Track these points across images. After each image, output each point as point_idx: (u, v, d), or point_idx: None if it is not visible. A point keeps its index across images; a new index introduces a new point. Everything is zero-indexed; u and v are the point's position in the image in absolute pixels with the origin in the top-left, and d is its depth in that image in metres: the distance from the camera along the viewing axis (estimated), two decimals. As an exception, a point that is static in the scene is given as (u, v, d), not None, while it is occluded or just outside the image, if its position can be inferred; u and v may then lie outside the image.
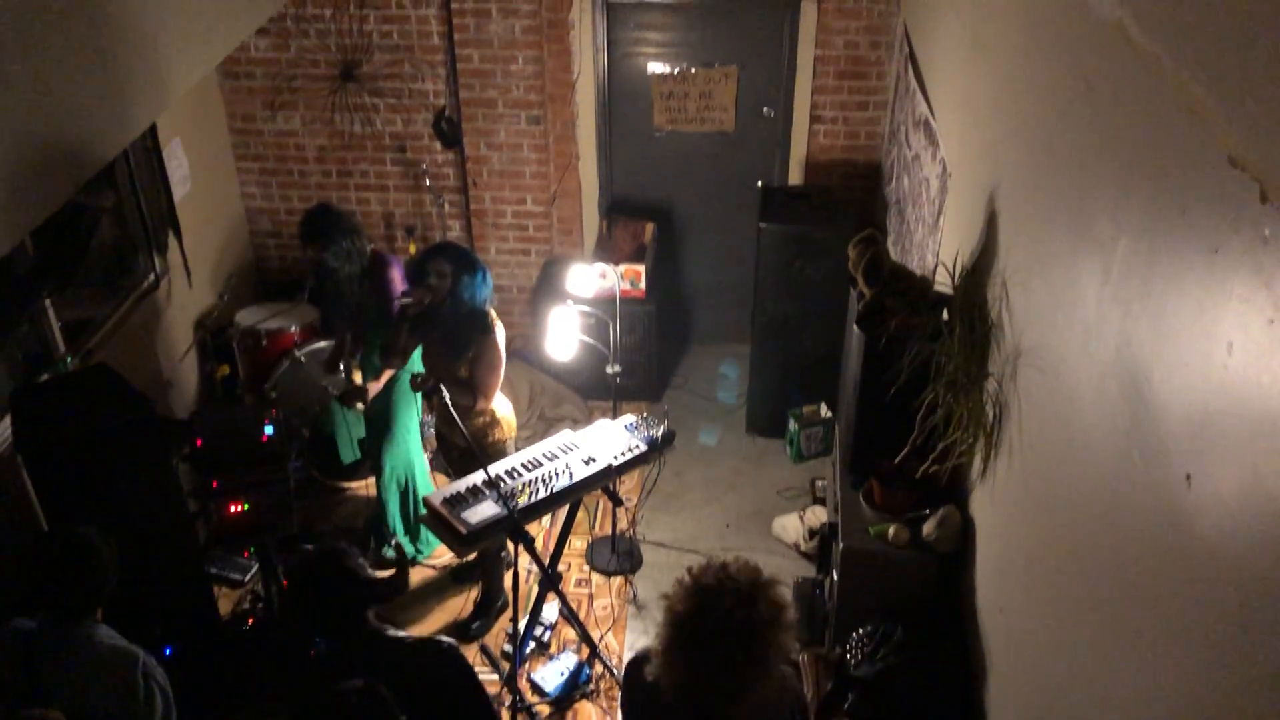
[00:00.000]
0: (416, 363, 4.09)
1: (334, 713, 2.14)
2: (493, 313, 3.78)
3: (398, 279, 4.19)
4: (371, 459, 4.47)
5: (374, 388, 4.34)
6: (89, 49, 2.54)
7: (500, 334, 3.78)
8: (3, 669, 2.62)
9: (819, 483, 4.84)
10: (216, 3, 3.33)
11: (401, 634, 2.61)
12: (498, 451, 3.85)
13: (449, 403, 3.40)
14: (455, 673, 2.58)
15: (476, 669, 4.00)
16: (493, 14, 5.21)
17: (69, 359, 4.01)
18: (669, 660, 1.98)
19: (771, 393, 5.20)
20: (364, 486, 4.88)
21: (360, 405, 4.41)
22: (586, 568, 4.50)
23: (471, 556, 3.86)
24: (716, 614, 1.92)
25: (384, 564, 4.36)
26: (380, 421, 4.29)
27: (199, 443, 3.55)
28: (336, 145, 5.61)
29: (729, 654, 1.92)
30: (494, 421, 3.87)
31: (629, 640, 4.13)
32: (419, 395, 4.05)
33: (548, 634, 4.09)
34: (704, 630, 1.93)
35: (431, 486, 4.46)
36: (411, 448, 4.35)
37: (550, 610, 4.14)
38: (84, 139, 2.62)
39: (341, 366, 4.53)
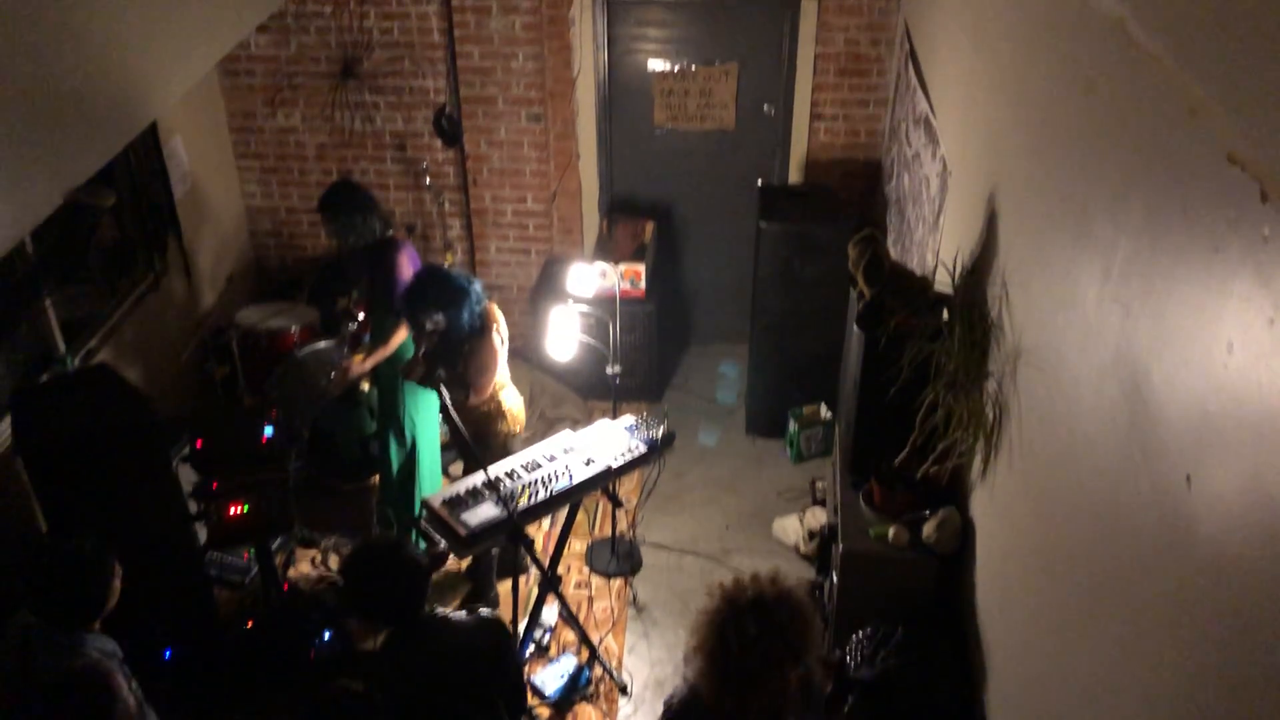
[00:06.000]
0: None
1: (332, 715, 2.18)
2: (492, 309, 3.77)
3: (405, 265, 4.20)
4: (380, 447, 4.46)
5: (360, 365, 4.35)
6: (88, 47, 2.53)
7: (502, 327, 3.78)
8: (4, 661, 2.65)
9: (819, 484, 4.83)
10: (216, 2, 3.32)
11: (449, 612, 2.79)
12: (500, 446, 3.84)
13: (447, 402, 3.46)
14: (501, 639, 2.80)
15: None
16: (493, 11, 5.20)
17: (69, 359, 4.01)
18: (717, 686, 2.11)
19: (771, 393, 5.19)
20: (364, 486, 4.88)
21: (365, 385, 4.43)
22: (586, 570, 4.49)
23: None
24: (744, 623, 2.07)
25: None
26: (392, 411, 4.29)
27: (199, 443, 3.54)
28: (337, 143, 5.61)
29: (759, 655, 2.06)
30: (498, 413, 3.86)
31: (628, 643, 4.13)
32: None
33: (547, 636, 4.08)
34: (736, 634, 2.07)
35: (440, 485, 4.45)
36: (422, 445, 4.33)
37: (550, 613, 4.13)
38: (81, 138, 2.62)
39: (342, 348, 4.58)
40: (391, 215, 5.68)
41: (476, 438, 3.75)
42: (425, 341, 3.72)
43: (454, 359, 3.72)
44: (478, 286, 3.70)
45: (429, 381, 3.66)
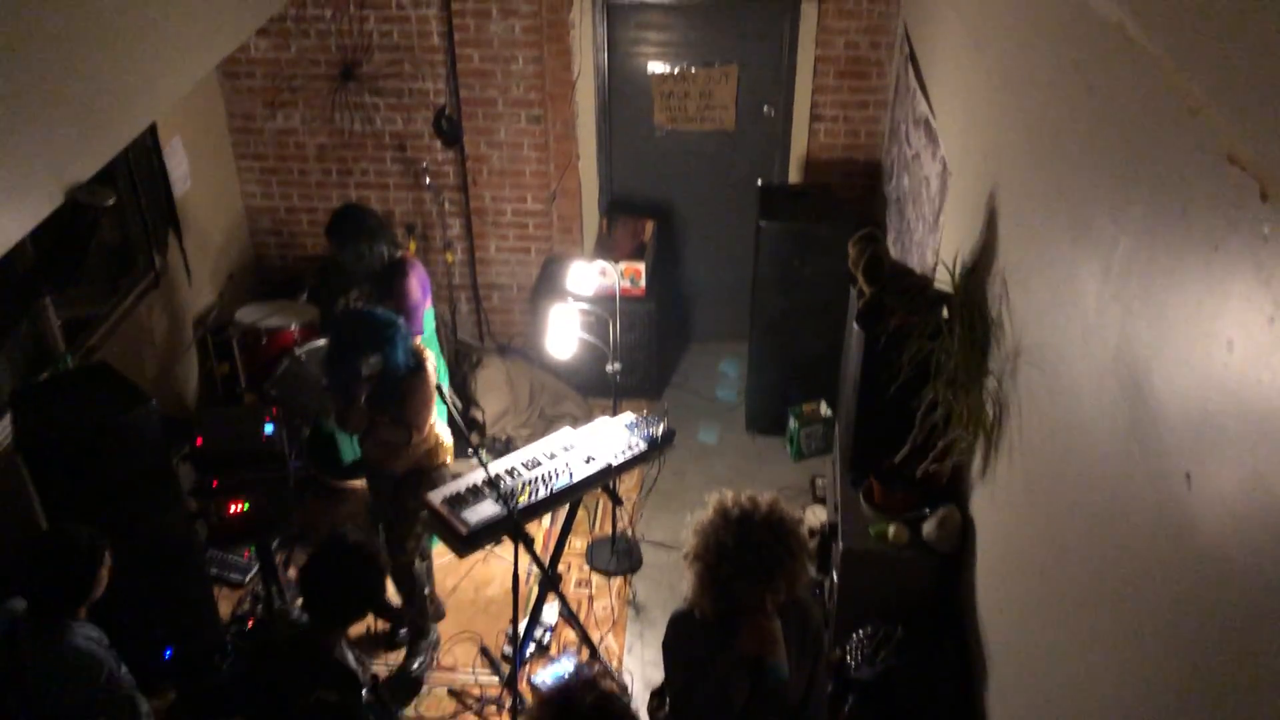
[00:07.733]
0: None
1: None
2: (420, 346, 3.69)
3: (415, 288, 4.18)
4: None
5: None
6: (88, 48, 2.54)
7: (431, 366, 3.66)
8: None
9: (819, 481, 4.84)
10: (216, 4, 3.33)
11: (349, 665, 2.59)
12: (439, 476, 3.73)
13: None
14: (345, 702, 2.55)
15: (475, 670, 4.02)
16: (493, 14, 5.21)
17: (69, 357, 4.01)
18: (701, 578, 2.26)
19: (771, 391, 5.20)
20: (364, 485, 4.87)
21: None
22: (586, 568, 4.49)
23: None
24: (737, 527, 2.27)
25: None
26: None
27: (199, 442, 3.54)
28: (337, 144, 5.61)
29: (752, 560, 2.22)
30: (435, 448, 3.77)
31: (628, 642, 4.13)
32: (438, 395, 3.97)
33: (548, 636, 4.09)
34: (729, 540, 2.25)
35: None
36: None
37: (550, 612, 4.14)
38: (81, 138, 2.62)
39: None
40: (391, 215, 5.70)
41: (412, 474, 3.67)
42: (363, 388, 3.58)
43: (392, 401, 3.58)
44: (403, 320, 3.61)
45: (371, 431, 3.63)
